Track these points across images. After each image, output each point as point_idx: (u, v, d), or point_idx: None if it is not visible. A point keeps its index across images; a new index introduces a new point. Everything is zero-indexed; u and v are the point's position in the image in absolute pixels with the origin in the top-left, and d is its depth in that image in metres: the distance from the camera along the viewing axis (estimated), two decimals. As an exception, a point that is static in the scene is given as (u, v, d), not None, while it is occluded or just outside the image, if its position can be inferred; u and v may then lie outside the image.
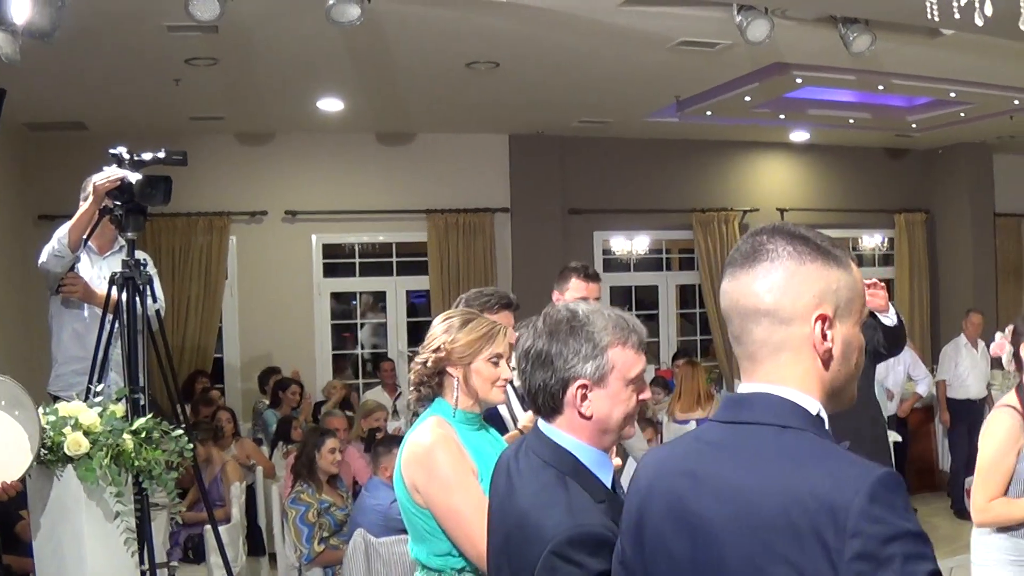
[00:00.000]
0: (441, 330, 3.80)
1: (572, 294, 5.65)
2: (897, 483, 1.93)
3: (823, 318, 2.11)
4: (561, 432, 2.86)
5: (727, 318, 2.23)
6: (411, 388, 3.85)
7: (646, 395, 2.98)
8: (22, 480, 4.41)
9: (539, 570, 2.61)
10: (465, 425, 3.74)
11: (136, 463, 4.62)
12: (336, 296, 13.82)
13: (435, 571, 3.62)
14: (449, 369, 3.75)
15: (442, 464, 3.56)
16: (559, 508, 2.69)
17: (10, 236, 10.51)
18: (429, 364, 3.76)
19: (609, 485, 2.88)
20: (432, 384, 3.79)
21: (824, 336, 2.10)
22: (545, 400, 2.87)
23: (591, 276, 5.83)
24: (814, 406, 2.11)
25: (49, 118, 11.37)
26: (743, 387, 2.20)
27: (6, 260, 9.11)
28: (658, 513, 2.22)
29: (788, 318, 2.12)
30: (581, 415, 2.81)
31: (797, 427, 2.07)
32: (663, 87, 11.08)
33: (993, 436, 4.64)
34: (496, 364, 3.77)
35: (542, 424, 2.92)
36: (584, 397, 2.80)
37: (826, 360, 2.12)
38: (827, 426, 2.13)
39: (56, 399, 5.07)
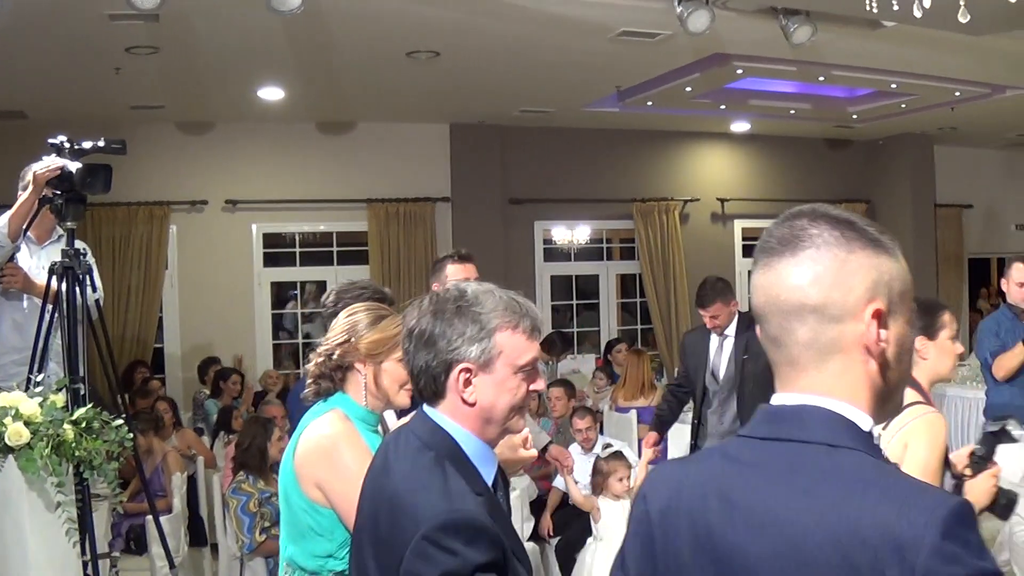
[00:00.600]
0: (349, 324, 3.65)
1: (453, 279, 5.38)
2: (971, 515, 1.69)
3: (878, 314, 1.84)
4: (444, 417, 2.72)
5: (762, 317, 1.95)
6: (309, 380, 3.65)
7: (538, 385, 2.81)
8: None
9: (409, 556, 2.46)
10: (364, 424, 3.57)
11: (77, 453, 4.59)
12: (277, 285, 13.79)
13: (310, 573, 3.45)
14: (357, 365, 3.60)
15: (348, 458, 3.37)
16: (434, 491, 2.55)
17: (-53, 225, 10.41)
18: (335, 357, 3.59)
19: (490, 481, 2.73)
20: (335, 378, 3.61)
21: (879, 336, 1.84)
22: (427, 383, 2.73)
23: (465, 257, 5.68)
24: (866, 422, 1.85)
25: (-12, 107, 11.29)
26: (783, 398, 1.92)
27: (-57, 250, 9.06)
28: (679, 537, 1.95)
29: (839, 315, 1.84)
30: (464, 401, 2.68)
31: (849, 447, 1.80)
32: (604, 77, 11.15)
33: (932, 443, 3.94)
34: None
35: (426, 407, 2.78)
36: (468, 382, 2.67)
37: (881, 364, 1.86)
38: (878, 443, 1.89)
39: (-3, 389, 5.05)
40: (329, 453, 3.41)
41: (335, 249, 13.85)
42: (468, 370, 2.67)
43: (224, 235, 13.23)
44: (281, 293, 13.93)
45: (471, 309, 2.69)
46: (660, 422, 8.12)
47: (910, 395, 3.86)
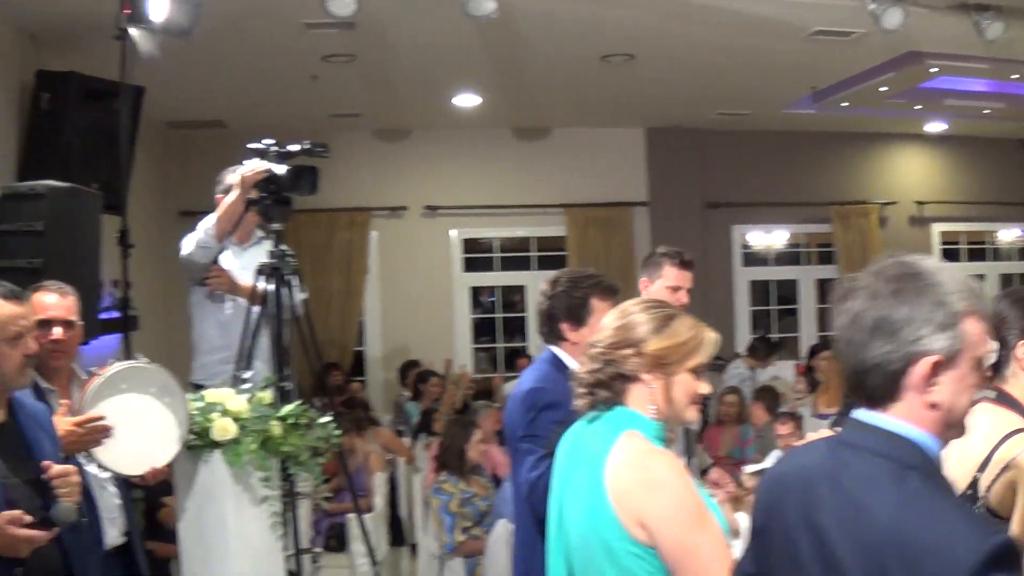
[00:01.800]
0: (627, 325, 3.10)
1: (664, 283, 5.21)
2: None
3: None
4: (902, 423, 2.24)
5: None
6: (582, 390, 3.11)
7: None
8: (169, 466, 4.51)
9: None
10: (659, 443, 3.02)
11: (283, 449, 4.67)
12: (476, 290, 13.91)
13: None
14: (644, 376, 3.03)
15: (681, 491, 2.84)
16: (954, 520, 2.06)
17: (153, 232, 10.77)
18: (621, 366, 3.04)
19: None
20: (615, 389, 3.06)
21: None
22: (880, 381, 2.24)
23: (687, 263, 5.36)
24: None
25: (189, 116, 11.71)
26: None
27: (149, 255, 9.35)
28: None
29: None
30: (927, 403, 2.22)
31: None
32: (799, 78, 10.94)
33: None
34: (698, 377, 3.08)
35: (866, 414, 2.30)
36: (934, 380, 2.20)
37: None
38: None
39: (199, 388, 5.17)
40: (658, 486, 2.85)
41: (534, 254, 13.90)
42: (937, 364, 2.20)
43: (424, 240, 13.43)
44: (480, 297, 14.03)
45: (935, 290, 2.23)
46: None
47: (1008, 418, 3.21)
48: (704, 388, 3.11)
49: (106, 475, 4.44)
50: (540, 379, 4.43)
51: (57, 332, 4.37)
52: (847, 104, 11.75)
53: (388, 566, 7.99)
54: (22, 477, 3.57)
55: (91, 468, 4.06)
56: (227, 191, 5.98)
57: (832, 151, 14.41)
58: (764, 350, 12.84)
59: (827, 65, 10.30)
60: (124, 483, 4.60)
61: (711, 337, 3.12)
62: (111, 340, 7.52)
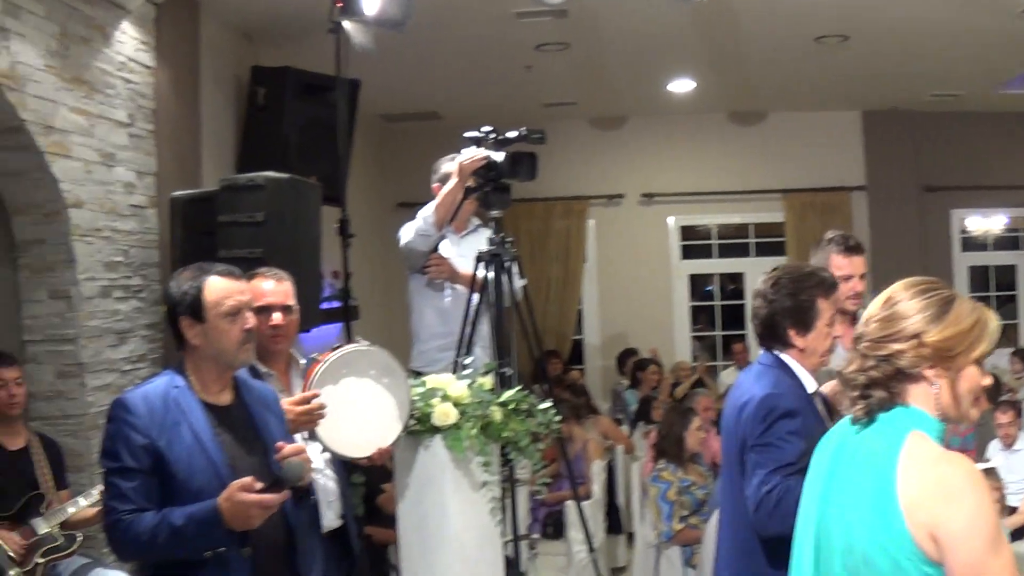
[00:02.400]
0: (896, 314, 2.71)
1: (838, 273, 4.71)
2: None
3: None
4: None
5: None
6: (854, 393, 2.73)
7: None
8: (391, 448, 4.56)
9: None
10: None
11: (504, 434, 4.68)
12: (693, 278, 13.80)
13: None
14: (926, 371, 2.64)
15: (980, 505, 2.47)
16: None
17: (371, 223, 10.98)
18: (897, 361, 2.65)
19: None
20: (893, 388, 2.68)
21: None
22: None
23: (853, 248, 5.03)
24: None
25: (404, 109, 11.88)
26: None
27: (368, 246, 9.54)
28: None
29: None
30: None
31: None
32: (1013, 56, 10.49)
33: None
34: (981, 368, 2.71)
35: None
36: None
37: None
38: None
39: (418, 375, 5.22)
40: (959, 499, 2.47)
41: (752, 240, 13.72)
42: None
43: (641, 228, 13.40)
44: (697, 285, 13.93)
45: None
46: None
47: None
48: (987, 380, 2.73)
49: (323, 458, 4.53)
50: (774, 385, 3.97)
51: (276, 317, 4.45)
52: (1063, 83, 11.26)
53: (604, 554, 7.99)
54: (251, 457, 3.66)
55: (310, 452, 4.14)
56: (443, 180, 6.04)
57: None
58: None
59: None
60: (342, 467, 4.67)
61: (994, 321, 2.73)
62: (332, 329, 7.67)
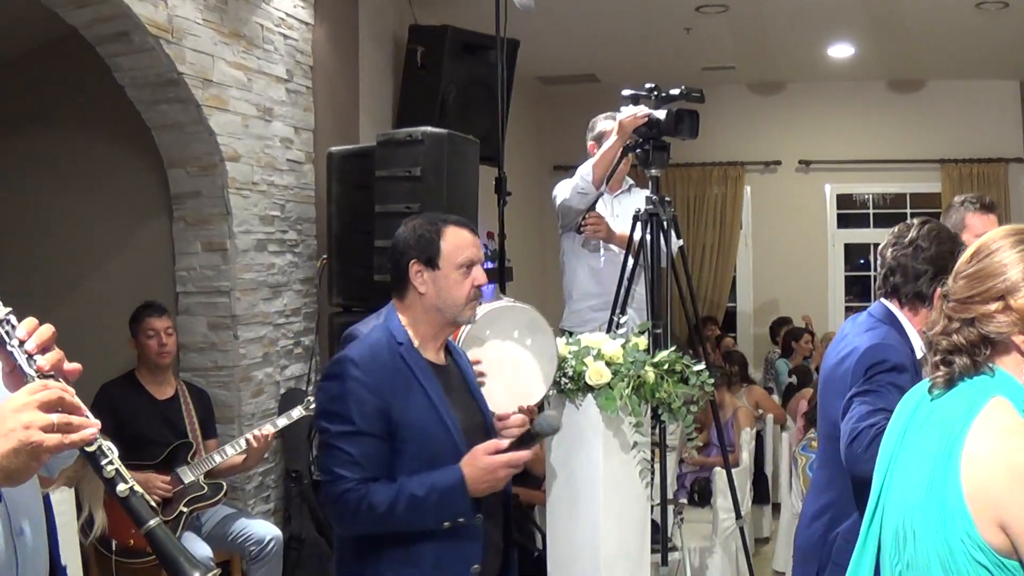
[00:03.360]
0: (1002, 269, 2.26)
1: (970, 236, 4.19)
2: None
3: None
4: None
5: None
6: (936, 358, 2.31)
7: None
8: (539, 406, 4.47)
9: None
10: None
11: (657, 395, 4.61)
12: (847, 248, 13.55)
13: None
14: (1017, 339, 2.22)
15: None
16: None
17: (529, 185, 11.02)
18: (987, 326, 2.23)
19: None
20: (978, 356, 2.24)
21: None
22: None
23: (988, 207, 4.74)
24: None
25: (561, 71, 11.82)
26: None
27: (523, 208, 9.59)
28: None
29: None
30: None
31: None
32: None
33: None
34: None
35: None
36: None
37: None
38: None
39: (569, 334, 5.17)
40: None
41: (908, 211, 13.39)
42: None
43: (798, 196, 13.18)
44: (851, 256, 13.67)
45: None
46: None
47: None
48: None
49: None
50: (883, 336, 3.59)
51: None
52: None
53: (750, 523, 7.91)
54: (474, 419, 3.62)
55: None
56: (598, 138, 6.01)
57: None
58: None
59: None
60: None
61: None
62: (487, 289, 7.70)
